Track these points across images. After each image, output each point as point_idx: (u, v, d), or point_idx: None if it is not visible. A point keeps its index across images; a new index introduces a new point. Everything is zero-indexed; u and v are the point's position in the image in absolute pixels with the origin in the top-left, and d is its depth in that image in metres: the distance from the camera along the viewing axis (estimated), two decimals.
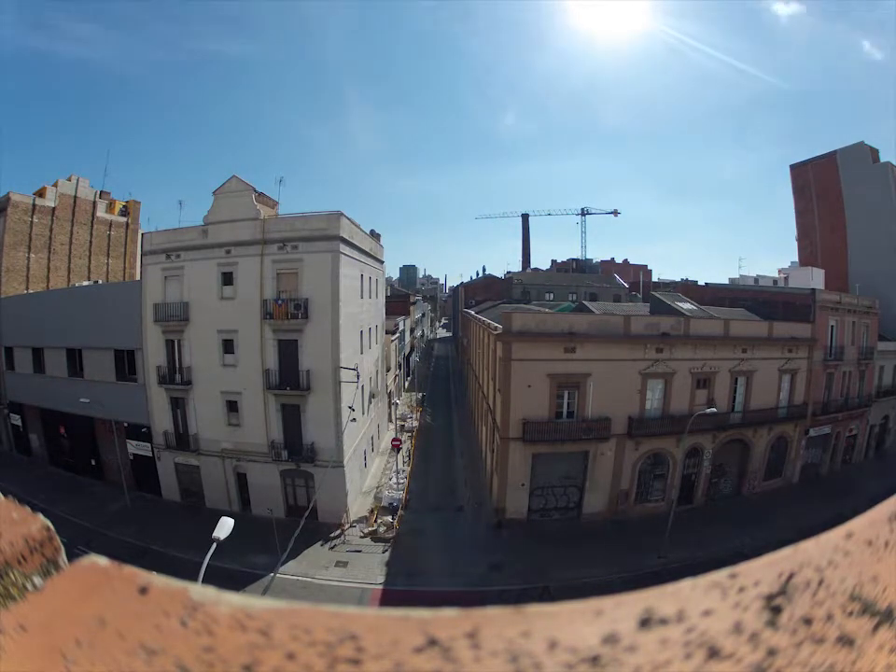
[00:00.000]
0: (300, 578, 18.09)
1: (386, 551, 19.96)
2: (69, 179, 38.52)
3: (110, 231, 41.72)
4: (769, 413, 25.15)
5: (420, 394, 45.35)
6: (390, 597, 17.00)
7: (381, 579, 18.20)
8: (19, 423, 30.03)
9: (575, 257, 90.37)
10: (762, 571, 0.38)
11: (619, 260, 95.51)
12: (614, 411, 21.67)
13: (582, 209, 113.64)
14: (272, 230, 21.48)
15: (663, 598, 0.36)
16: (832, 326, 27.76)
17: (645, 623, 0.34)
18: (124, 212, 43.33)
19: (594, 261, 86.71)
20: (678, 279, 55.62)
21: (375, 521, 22.23)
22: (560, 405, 21.41)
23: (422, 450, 32.04)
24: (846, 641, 0.34)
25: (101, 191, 41.53)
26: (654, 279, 63.11)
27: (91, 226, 39.90)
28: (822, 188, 46.21)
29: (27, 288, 33.85)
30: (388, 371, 36.75)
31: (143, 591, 0.39)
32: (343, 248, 21.70)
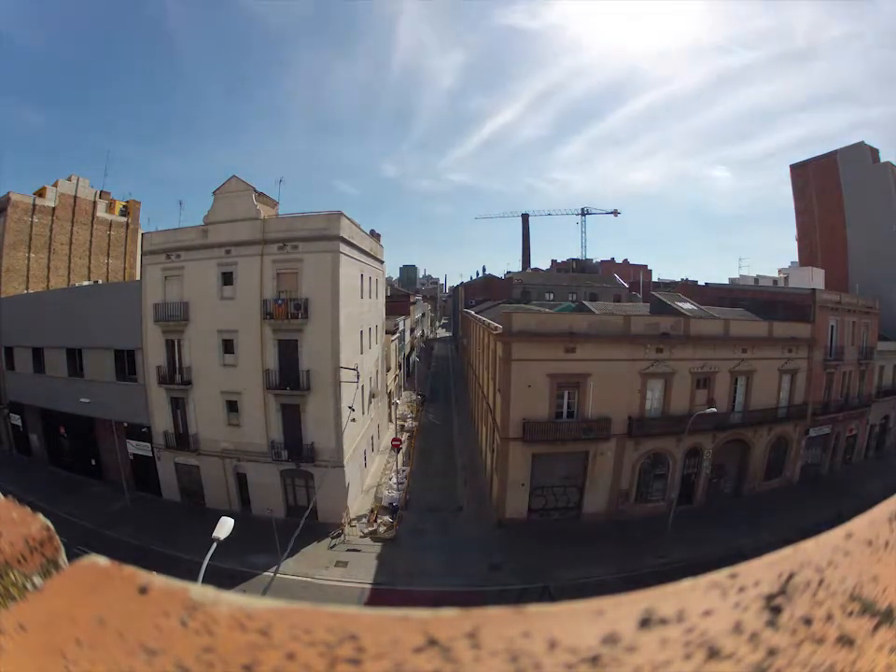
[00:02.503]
0: (300, 578, 18.11)
1: (386, 550, 19.97)
2: (69, 179, 38.51)
3: (110, 231, 41.72)
4: (769, 413, 25.14)
5: (420, 394, 45.34)
6: (390, 597, 17.00)
7: (381, 578, 18.21)
8: (19, 423, 30.02)
9: (575, 257, 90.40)
10: (762, 571, 0.38)
11: (619, 260, 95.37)
12: (614, 411, 21.67)
13: (582, 209, 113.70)
14: (272, 229, 21.48)
15: (663, 598, 0.36)
16: (832, 326, 27.75)
17: (645, 623, 0.34)
18: (124, 212, 43.33)
19: (594, 261, 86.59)
20: (678, 279, 55.60)
21: (375, 520, 22.24)
22: (560, 405, 21.40)
23: (422, 450, 32.05)
24: (846, 641, 0.34)
25: (101, 191, 41.55)
26: (654, 279, 63.16)
27: (91, 226, 39.90)
28: (822, 188, 46.23)
29: (27, 288, 33.84)
30: (388, 370, 36.75)
31: (143, 591, 0.39)
32: (343, 248, 21.69)
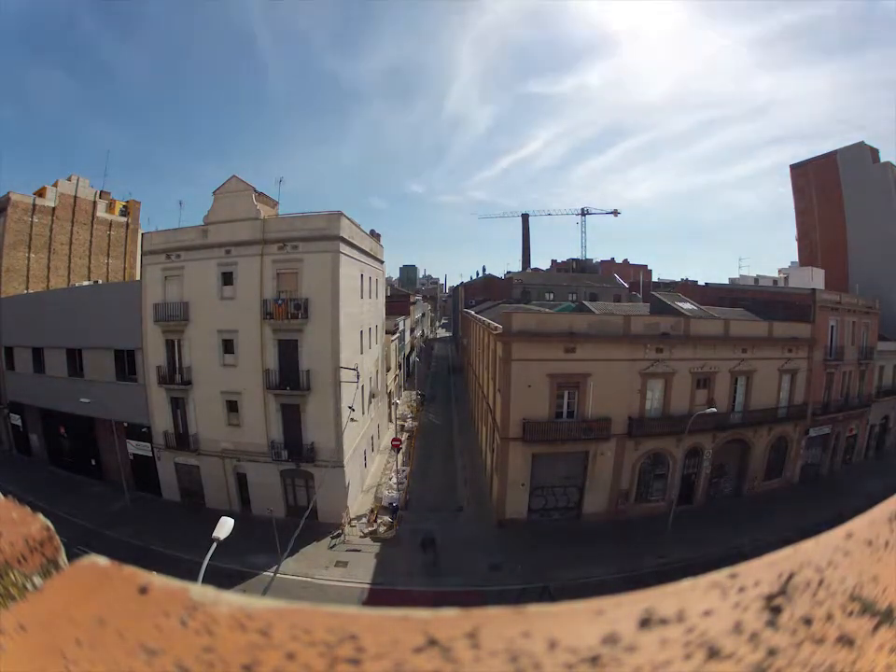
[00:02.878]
0: (300, 578, 18.10)
1: (386, 550, 19.96)
2: (69, 179, 38.51)
3: (110, 231, 41.71)
4: (769, 413, 25.13)
5: (420, 394, 45.34)
6: (390, 597, 17.00)
7: (381, 578, 18.20)
8: (19, 423, 30.02)
9: (575, 257, 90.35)
10: (762, 571, 0.38)
11: (619, 260, 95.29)
12: (614, 411, 21.66)
13: (582, 209, 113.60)
14: (272, 229, 21.47)
15: (663, 598, 0.36)
16: (832, 326, 27.74)
17: (645, 623, 0.34)
18: (124, 212, 43.33)
19: (594, 261, 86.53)
20: (678, 279, 55.59)
21: (375, 520, 22.24)
22: (560, 405, 21.39)
23: (422, 449, 32.04)
24: (846, 641, 0.34)
25: (101, 191, 41.55)
26: (654, 279, 63.18)
27: (91, 226, 39.90)
28: (822, 188, 46.20)
29: (27, 288, 33.84)
30: (388, 370, 36.74)
31: (143, 591, 0.39)
32: (343, 248, 21.68)
